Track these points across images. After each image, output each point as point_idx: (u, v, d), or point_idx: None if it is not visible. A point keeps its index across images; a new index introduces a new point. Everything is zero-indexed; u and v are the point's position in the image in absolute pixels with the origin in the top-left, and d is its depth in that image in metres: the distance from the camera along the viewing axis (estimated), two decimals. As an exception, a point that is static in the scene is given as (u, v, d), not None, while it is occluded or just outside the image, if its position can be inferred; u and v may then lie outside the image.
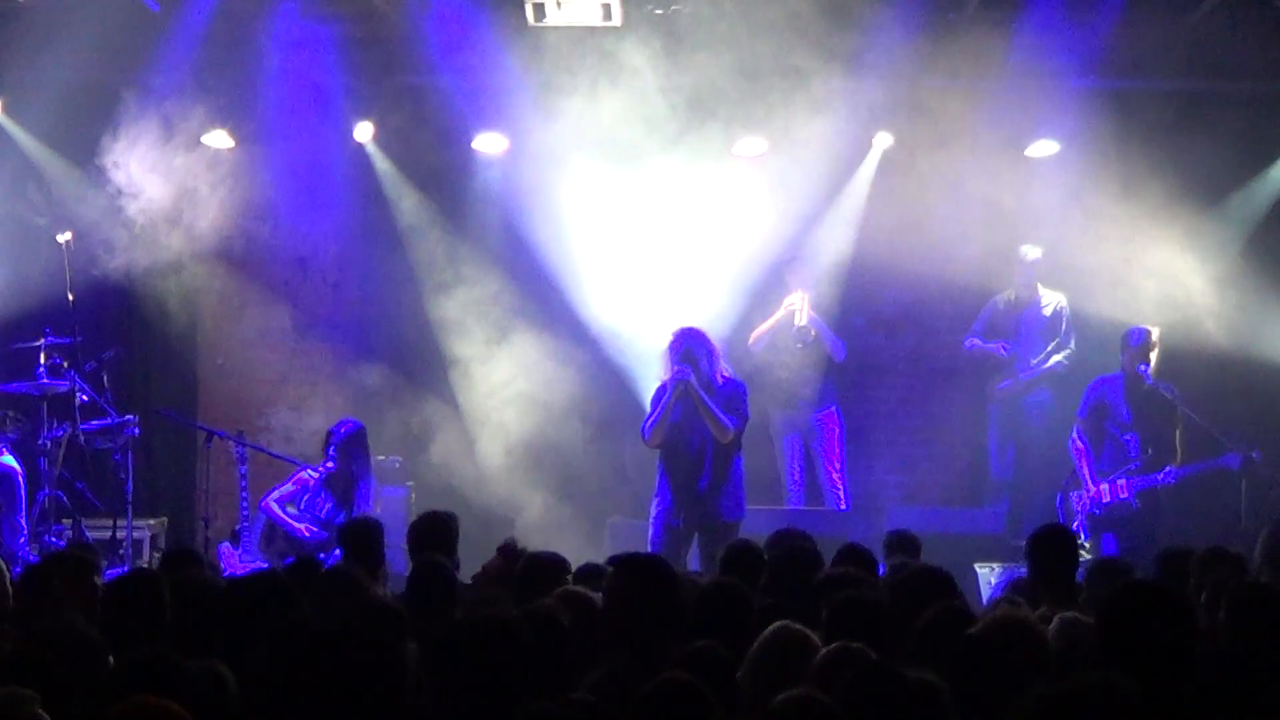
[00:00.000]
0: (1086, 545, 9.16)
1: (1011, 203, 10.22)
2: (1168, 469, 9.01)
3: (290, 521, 9.03)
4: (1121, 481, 9.08)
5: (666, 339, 8.38)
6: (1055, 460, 9.76)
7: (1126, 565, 5.69)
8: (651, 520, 8.34)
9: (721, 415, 8.13)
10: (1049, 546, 5.43)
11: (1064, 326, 10.00)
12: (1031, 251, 10.01)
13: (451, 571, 5.45)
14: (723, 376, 8.27)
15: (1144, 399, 9.13)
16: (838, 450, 10.03)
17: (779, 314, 9.85)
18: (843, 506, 9.82)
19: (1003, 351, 10.00)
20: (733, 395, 8.24)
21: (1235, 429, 9.24)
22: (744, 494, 8.34)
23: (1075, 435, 9.27)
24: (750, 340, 9.90)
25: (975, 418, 10.52)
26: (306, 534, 9.04)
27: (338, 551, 8.51)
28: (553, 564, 5.39)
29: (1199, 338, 9.79)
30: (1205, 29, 9.50)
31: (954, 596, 4.75)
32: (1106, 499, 9.06)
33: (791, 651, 3.91)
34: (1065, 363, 9.97)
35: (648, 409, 8.50)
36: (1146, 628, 3.65)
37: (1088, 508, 9.09)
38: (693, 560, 8.23)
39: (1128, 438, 9.18)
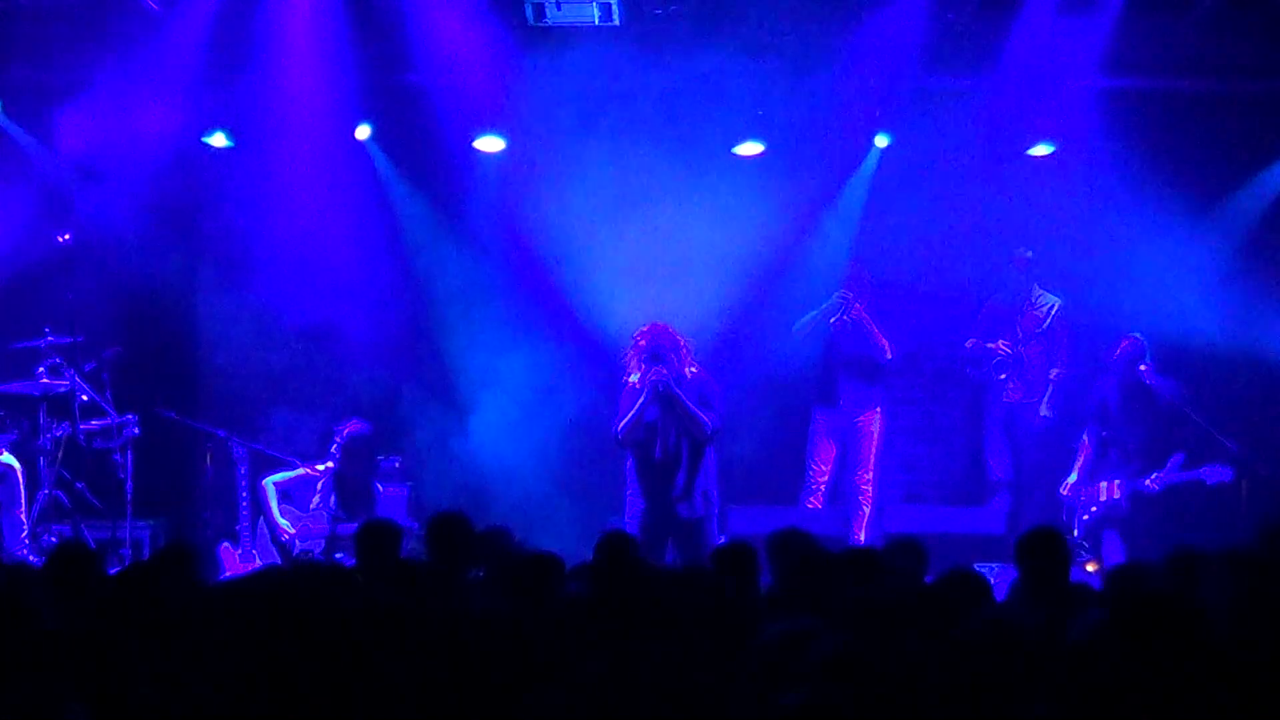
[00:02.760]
0: (1085, 545, 9.22)
1: (1011, 202, 10.24)
2: (1154, 475, 9.05)
3: (276, 516, 9.07)
4: (1117, 482, 9.14)
5: (632, 338, 8.38)
6: (1052, 460, 9.77)
7: (1147, 570, 5.64)
8: (627, 520, 8.35)
9: (701, 414, 8.14)
10: (1039, 549, 5.41)
11: (1059, 330, 9.96)
12: (1025, 253, 10.00)
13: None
14: (690, 372, 8.26)
15: (1134, 404, 9.16)
16: (874, 452, 9.89)
17: (825, 305, 9.75)
18: (866, 507, 9.76)
19: (1005, 349, 9.97)
20: (703, 390, 8.24)
21: (1234, 429, 9.25)
22: (717, 490, 8.35)
23: (1085, 434, 9.35)
24: (795, 326, 9.84)
25: (974, 417, 10.53)
26: (286, 537, 9.08)
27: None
28: (548, 563, 5.34)
29: (1198, 338, 9.80)
30: (1205, 28, 9.50)
31: (988, 601, 4.73)
32: (1102, 498, 9.13)
33: (792, 651, 3.90)
34: (1065, 371, 9.95)
35: (618, 408, 8.45)
36: (1159, 640, 3.64)
37: (1085, 504, 9.16)
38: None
39: (1120, 440, 9.22)
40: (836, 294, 9.74)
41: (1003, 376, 9.99)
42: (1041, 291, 10.02)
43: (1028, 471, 9.99)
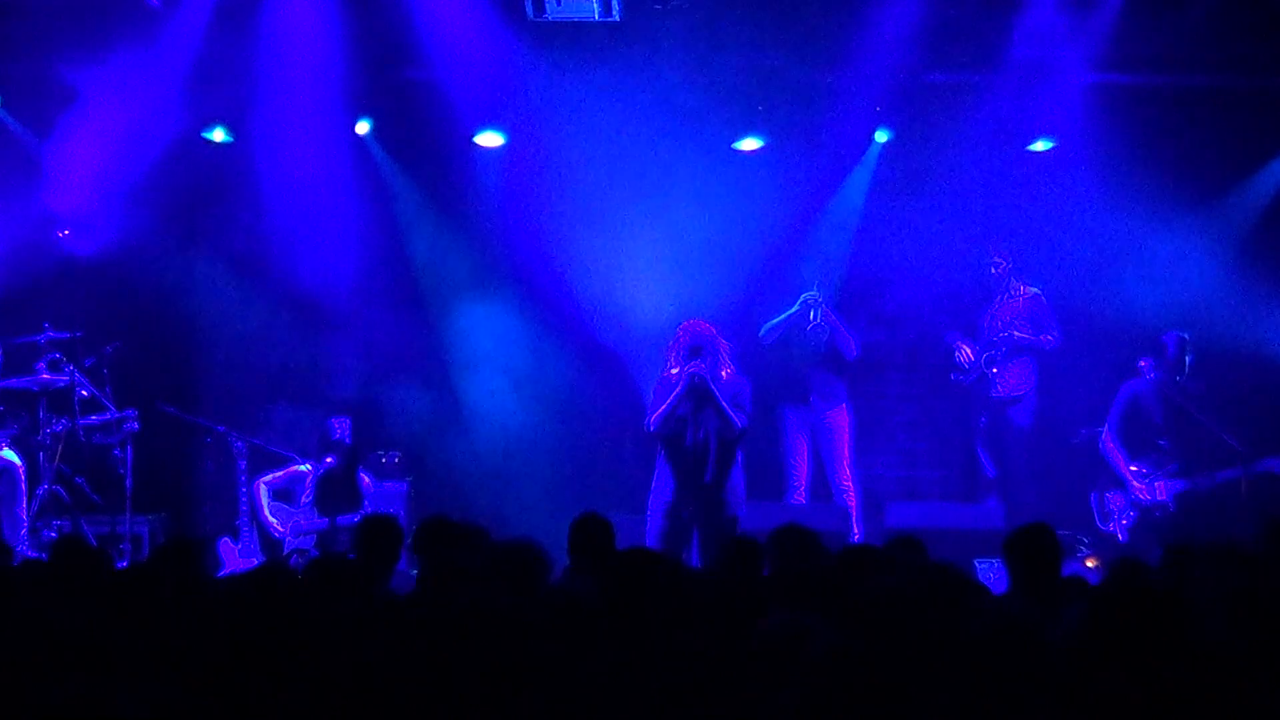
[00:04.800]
0: (1085, 541, 9.22)
1: (1012, 198, 10.25)
2: (1205, 473, 9.04)
3: (267, 515, 9.13)
4: (1159, 484, 9.14)
5: (675, 332, 8.41)
6: (1043, 459, 9.79)
7: (1144, 564, 5.65)
8: (650, 512, 8.34)
9: (732, 412, 8.17)
10: (1027, 546, 5.41)
11: (1041, 312, 9.92)
12: (999, 251, 9.97)
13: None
14: (726, 372, 8.29)
15: (1179, 403, 9.14)
16: (846, 448, 9.98)
17: (793, 309, 9.80)
18: (852, 504, 9.80)
19: (966, 357, 9.96)
20: (737, 392, 8.27)
21: (1236, 428, 9.24)
22: (744, 489, 8.36)
23: (1106, 437, 9.32)
24: (761, 331, 9.88)
25: (967, 417, 10.51)
26: (277, 533, 9.12)
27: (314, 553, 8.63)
28: (530, 554, 5.31)
29: (1198, 335, 9.78)
30: (1206, 24, 9.49)
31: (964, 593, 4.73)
32: (1146, 498, 9.11)
33: (790, 646, 3.91)
34: (1051, 339, 9.88)
35: (651, 400, 8.48)
36: (1141, 633, 3.65)
37: (1125, 508, 9.15)
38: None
39: (1163, 442, 9.22)
40: (803, 297, 9.74)
41: (994, 370, 9.93)
42: (1020, 284, 9.99)
43: (1019, 468, 9.97)
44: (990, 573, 8.21)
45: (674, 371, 8.27)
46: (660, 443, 8.34)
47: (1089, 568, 8.75)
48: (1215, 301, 9.89)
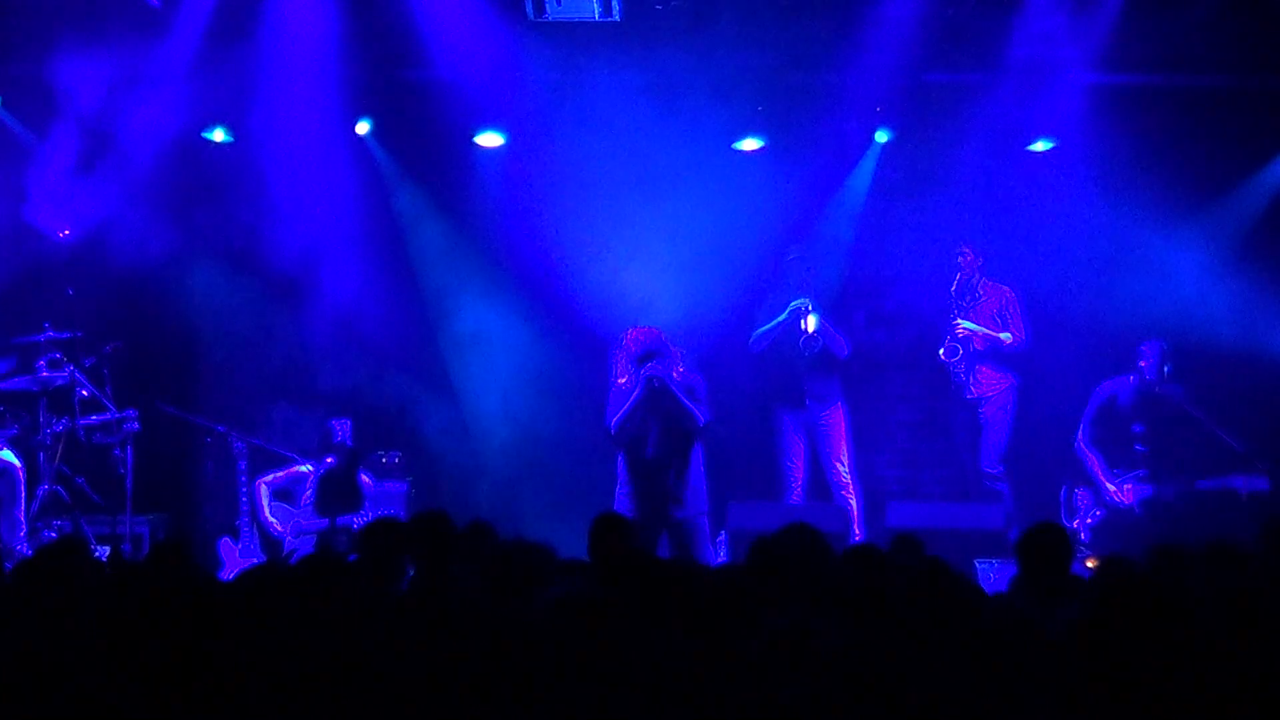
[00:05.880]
0: (1085, 544, 9.21)
1: (1012, 198, 10.24)
2: (1174, 483, 9.03)
3: (267, 515, 9.14)
4: (1128, 487, 9.13)
5: (623, 342, 8.47)
6: (1039, 461, 9.79)
7: (1135, 563, 5.66)
8: None
9: (693, 406, 8.23)
10: (1038, 543, 5.43)
11: (1011, 310, 9.87)
12: (965, 250, 9.91)
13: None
14: (677, 373, 8.35)
15: (1156, 407, 9.14)
16: (844, 446, 9.97)
17: (782, 316, 9.77)
18: (852, 502, 9.79)
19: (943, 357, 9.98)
20: (692, 386, 8.34)
21: (1237, 431, 9.23)
22: (706, 488, 8.39)
23: (1081, 436, 9.31)
24: (751, 339, 9.87)
25: (972, 414, 10.51)
26: (277, 533, 9.13)
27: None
28: (535, 555, 5.31)
29: (1197, 336, 9.79)
30: (1206, 23, 9.50)
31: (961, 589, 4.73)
32: (1115, 500, 9.11)
33: (796, 645, 3.90)
34: (1007, 339, 9.81)
35: (608, 408, 8.50)
36: (1135, 629, 3.65)
37: (1092, 506, 9.13)
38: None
39: (1138, 446, 9.21)
40: (792, 305, 9.71)
41: (956, 358, 9.84)
42: (991, 283, 9.95)
43: (1001, 469, 9.94)
44: (990, 573, 8.22)
45: (621, 382, 8.34)
46: (621, 448, 8.39)
47: (1089, 568, 8.74)
48: (1214, 302, 9.89)
